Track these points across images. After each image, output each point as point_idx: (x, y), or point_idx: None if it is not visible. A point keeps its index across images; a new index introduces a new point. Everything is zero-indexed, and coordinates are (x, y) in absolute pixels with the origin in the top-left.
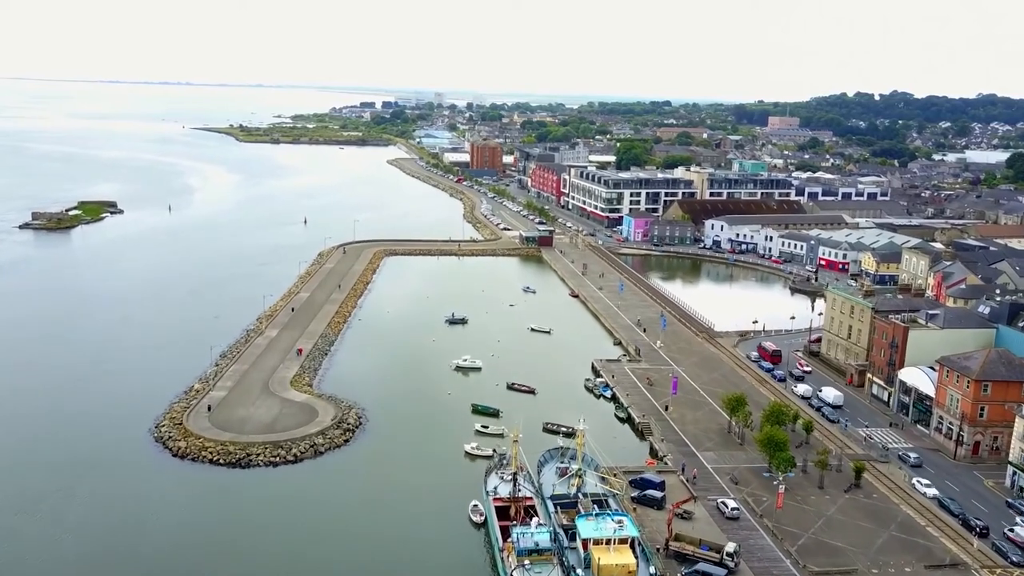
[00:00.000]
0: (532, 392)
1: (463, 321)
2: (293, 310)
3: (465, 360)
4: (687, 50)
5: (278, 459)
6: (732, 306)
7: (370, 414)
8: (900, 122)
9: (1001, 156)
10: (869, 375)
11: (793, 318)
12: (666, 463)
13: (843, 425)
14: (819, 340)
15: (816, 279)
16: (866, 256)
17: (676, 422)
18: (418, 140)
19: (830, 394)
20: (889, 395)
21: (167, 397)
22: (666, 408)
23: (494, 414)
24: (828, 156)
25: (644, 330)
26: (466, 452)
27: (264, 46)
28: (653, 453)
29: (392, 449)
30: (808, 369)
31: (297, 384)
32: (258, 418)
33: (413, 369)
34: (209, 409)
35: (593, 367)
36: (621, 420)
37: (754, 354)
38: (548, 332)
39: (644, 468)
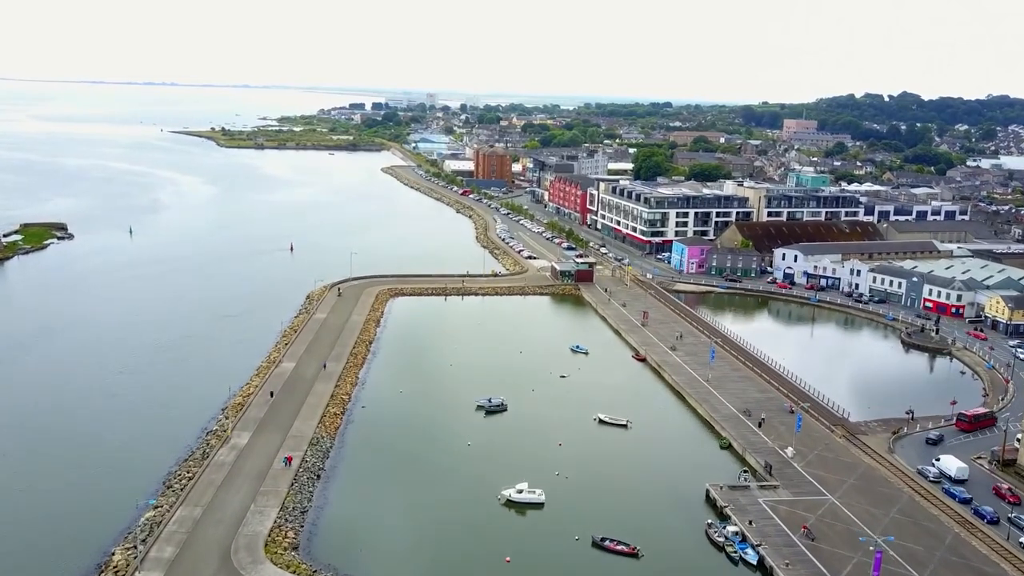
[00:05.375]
0: (635, 555)
1: (501, 408)
2: (272, 395)
3: (520, 491)
4: (683, 50)
5: None
6: (839, 371)
7: None
8: (919, 125)
9: None
10: None
11: (954, 403)
12: None
13: None
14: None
15: (937, 331)
16: (992, 299)
17: None
18: (413, 145)
19: (951, 466)
20: None
21: None
22: None
23: None
24: (859, 163)
25: (760, 423)
26: None
27: (250, 46)
28: None
29: None
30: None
31: (275, 548)
32: None
33: (445, 504)
34: None
35: (709, 496)
36: None
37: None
38: (624, 426)
39: None
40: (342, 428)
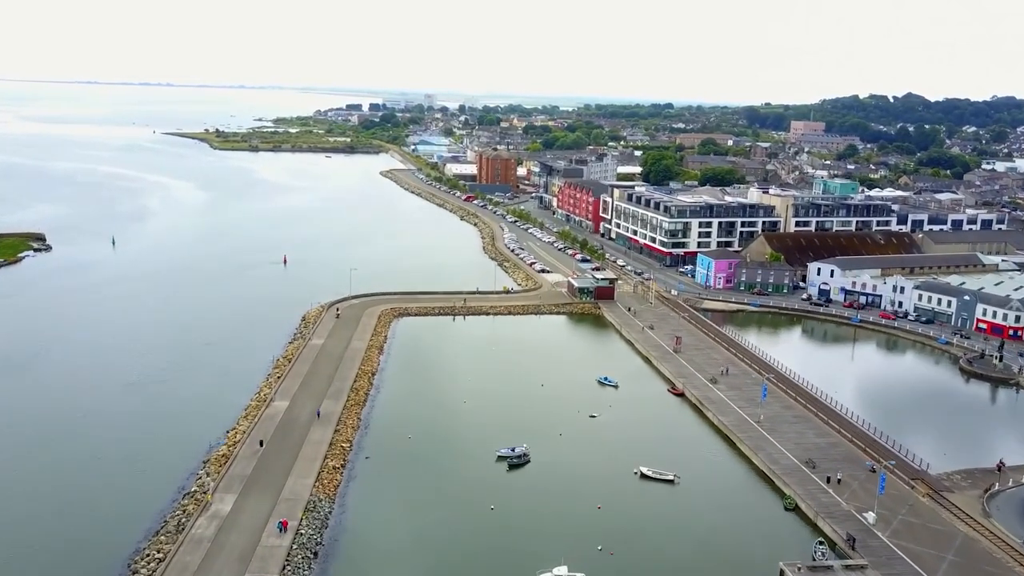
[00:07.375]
0: None
1: (524, 460)
2: (262, 444)
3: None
4: (682, 50)
5: None
6: (900, 407)
7: None
8: (927, 126)
9: None
10: None
11: None
12: None
13: None
14: None
15: (1001, 357)
16: None
17: None
18: (412, 147)
19: None
20: None
21: None
22: None
23: None
24: (872, 167)
25: (831, 479)
26: None
27: (247, 46)
28: None
29: None
30: None
31: None
32: None
33: None
34: None
35: None
36: None
37: None
38: (671, 481)
39: None
40: (342, 486)
